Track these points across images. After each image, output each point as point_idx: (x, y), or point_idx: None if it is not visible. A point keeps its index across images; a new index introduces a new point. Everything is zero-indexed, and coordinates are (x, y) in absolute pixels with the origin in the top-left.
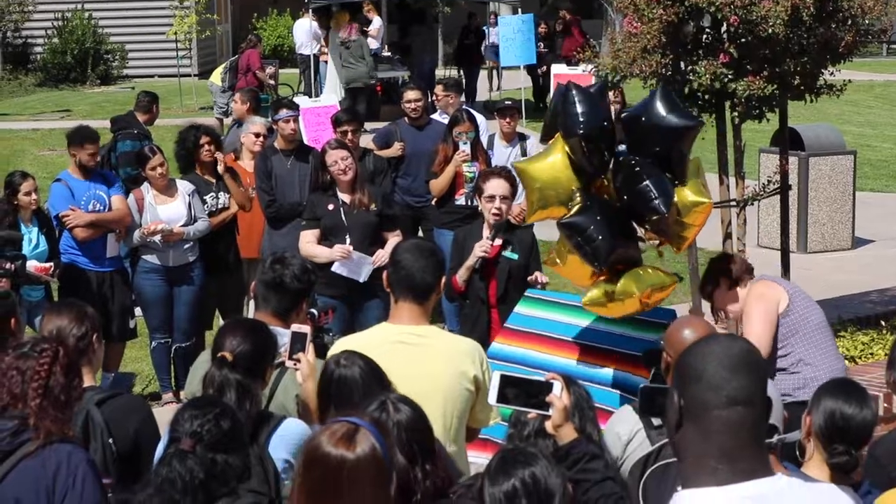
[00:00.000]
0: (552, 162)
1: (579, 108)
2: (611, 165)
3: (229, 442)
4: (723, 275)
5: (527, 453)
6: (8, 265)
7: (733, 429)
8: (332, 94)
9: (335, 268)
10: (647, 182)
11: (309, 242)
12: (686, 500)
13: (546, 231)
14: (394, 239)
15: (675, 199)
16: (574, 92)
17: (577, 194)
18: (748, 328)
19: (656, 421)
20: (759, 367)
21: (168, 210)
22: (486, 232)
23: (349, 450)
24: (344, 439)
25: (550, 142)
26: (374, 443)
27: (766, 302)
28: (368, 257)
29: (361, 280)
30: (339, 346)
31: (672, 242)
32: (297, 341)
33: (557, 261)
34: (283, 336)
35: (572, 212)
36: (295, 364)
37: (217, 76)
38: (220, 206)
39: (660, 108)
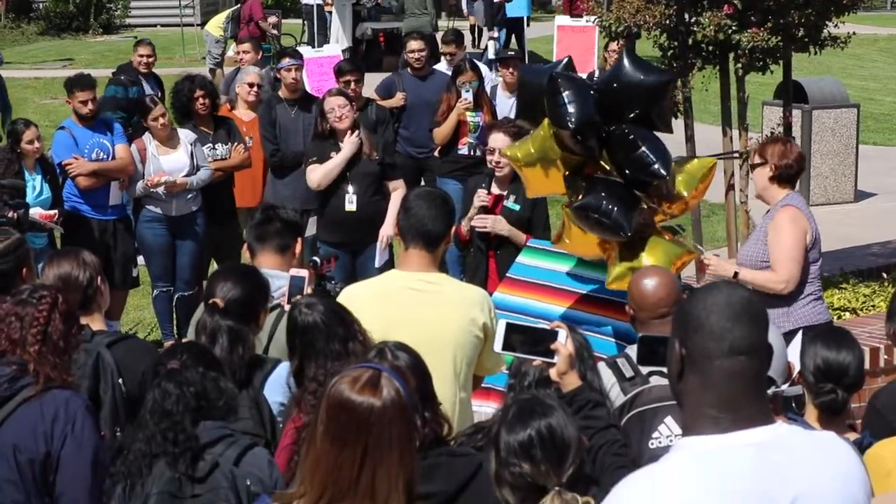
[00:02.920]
0: (542, 147)
1: (570, 108)
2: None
3: (211, 361)
4: (777, 165)
5: (544, 404)
6: (11, 213)
7: (735, 378)
8: (335, 44)
9: (380, 262)
10: (644, 149)
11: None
12: (688, 447)
13: None
14: (397, 194)
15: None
16: (562, 85)
17: (578, 180)
18: (779, 246)
19: (628, 373)
20: (761, 316)
21: (171, 160)
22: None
23: (375, 396)
24: (368, 386)
25: (535, 132)
26: (398, 387)
27: (799, 232)
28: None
29: (377, 265)
30: (349, 293)
31: (676, 206)
32: (296, 285)
33: (566, 240)
34: (279, 279)
35: (579, 196)
36: None
37: (213, 26)
38: (216, 157)
39: (630, 70)
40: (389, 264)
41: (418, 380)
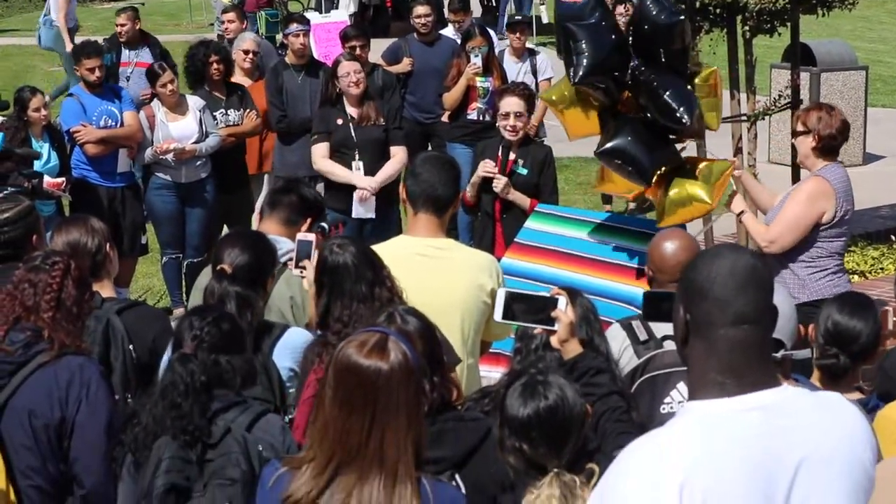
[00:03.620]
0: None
1: (576, 59)
2: (626, 84)
3: (230, 343)
4: (821, 135)
5: (548, 382)
6: (26, 183)
7: (740, 346)
8: (343, 10)
9: (356, 213)
10: (667, 96)
11: (324, 157)
12: (694, 411)
13: (561, 148)
14: (396, 159)
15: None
16: (573, 34)
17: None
18: (784, 210)
19: (642, 336)
20: (766, 283)
21: (179, 127)
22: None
23: (383, 360)
24: (376, 349)
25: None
26: (406, 350)
27: (814, 206)
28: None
29: (353, 216)
30: None
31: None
32: (303, 249)
33: (609, 181)
34: (285, 245)
35: (608, 137)
36: (301, 272)
37: None
38: (229, 123)
39: (650, 7)
40: (382, 226)
41: (428, 344)
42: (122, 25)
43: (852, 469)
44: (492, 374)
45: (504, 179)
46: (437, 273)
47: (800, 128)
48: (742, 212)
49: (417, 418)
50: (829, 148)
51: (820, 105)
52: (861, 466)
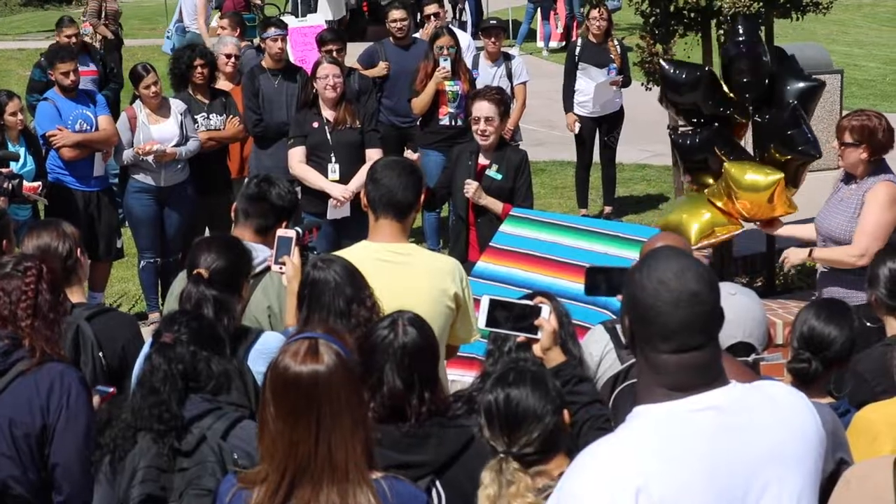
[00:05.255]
0: None
1: None
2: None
3: (209, 342)
4: (872, 144)
5: (518, 376)
6: (6, 184)
7: (685, 369)
8: (322, 15)
9: (331, 215)
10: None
11: (300, 162)
12: (643, 415)
13: (537, 151)
14: (373, 160)
15: None
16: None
17: None
18: (868, 218)
19: (626, 340)
20: (711, 305)
21: (161, 130)
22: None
23: (317, 363)
24: (309, 355)
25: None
26: (338, 350)
27: (893, 210)
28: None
29: (328, 217)
30: None
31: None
32: (283, 245)
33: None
34: (260, 252)
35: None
36: (280, 268)
37: None
38: (210, 127)
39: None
40: (357, 228)
41: (423, 359)
42: (69, 37)
43: (805, 461)
44: (465, 378)
45: (475, 184)
46: (399, 279)
47: (848, 139)
48: (811, 251)
49: (362, 418)
50: (880, 157)
51: (866, 114)
52: (812, 458)
